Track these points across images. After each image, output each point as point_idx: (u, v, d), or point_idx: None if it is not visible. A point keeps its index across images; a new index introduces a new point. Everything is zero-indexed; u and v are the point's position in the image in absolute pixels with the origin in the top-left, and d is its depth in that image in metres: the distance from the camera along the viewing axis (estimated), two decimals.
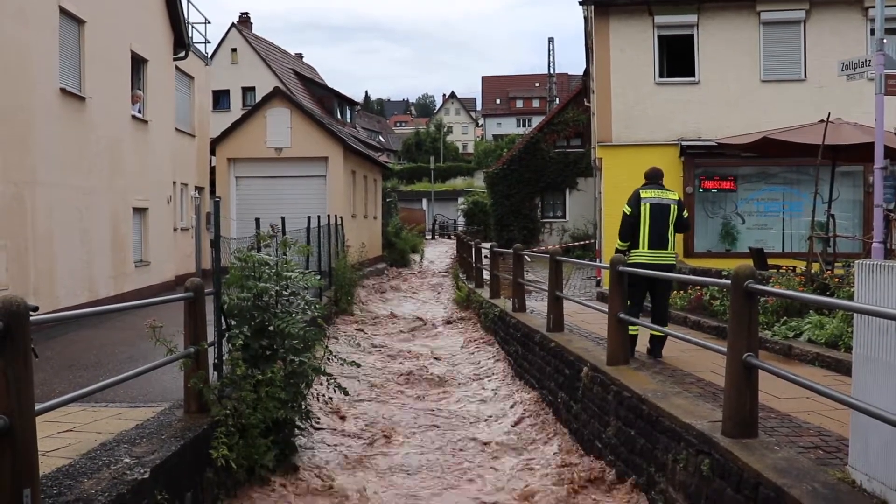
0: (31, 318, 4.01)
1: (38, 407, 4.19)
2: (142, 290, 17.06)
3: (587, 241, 29.84)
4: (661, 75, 19.16)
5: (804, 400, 6.30)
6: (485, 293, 17.71)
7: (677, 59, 19.28)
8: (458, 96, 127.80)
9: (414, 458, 8.35)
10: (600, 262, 19.06)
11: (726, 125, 17.66)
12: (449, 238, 54.97)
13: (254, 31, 44.75)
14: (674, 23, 19.02)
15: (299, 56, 54.73)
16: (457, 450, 8.66)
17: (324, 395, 8.92)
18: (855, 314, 4.43)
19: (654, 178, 8.98)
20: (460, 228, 51.09)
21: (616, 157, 18.92)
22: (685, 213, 8.90)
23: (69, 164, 14.15)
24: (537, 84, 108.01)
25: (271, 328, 7.44)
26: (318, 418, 9.01)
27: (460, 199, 59.00)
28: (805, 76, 18.46)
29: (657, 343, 8.74)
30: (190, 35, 21.38)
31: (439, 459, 8.27)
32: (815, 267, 11.20)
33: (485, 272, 19.85)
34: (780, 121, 14.80)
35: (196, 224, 22.55)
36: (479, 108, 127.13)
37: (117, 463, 5.29)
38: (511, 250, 14.51)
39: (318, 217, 17.80)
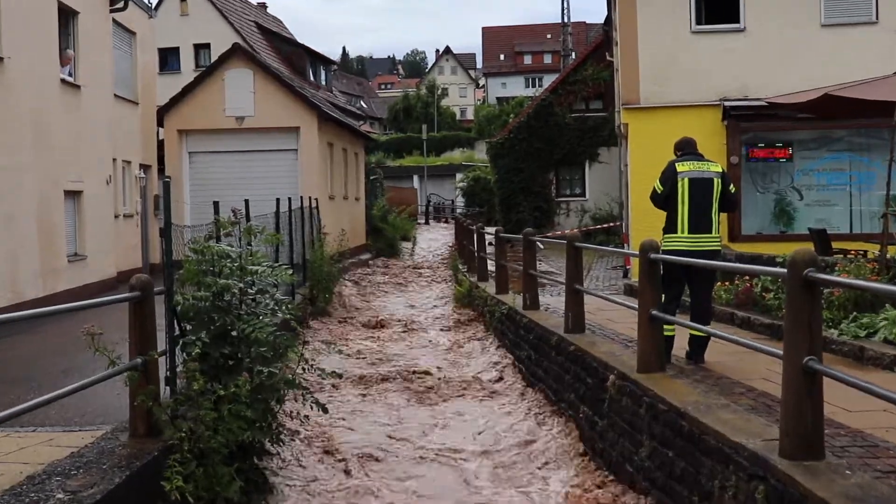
0: None
1: None
2: (77, 289, 17.04)
3: (612, 224, 29.85)
4: (698, 22, 19.07)
5: (881, 413, 6.27)
6: (490, 288, 17.71)
7: (718, 1, 19.20)
8: (455, 52, 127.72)
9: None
10: (628, 248, 19.05)
11: (779, 81, 17.58)
12: (446, 222, 55.02)
13: None
14: None
15: (262, 6, 54.54)
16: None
17: (298, 414, 8.89)
18: None
19: (688, 148, 8.95)
20: (459, 211, 51.14)
21: (645, 123, 18.87)
22: (732, 188, 8.86)
23: None
24: (549, 36, 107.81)
25: (235, 333, 7.43)
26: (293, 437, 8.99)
27: (458, 176, 59.03)
28: (877, 18, 18.34)
29: (698, 345, 8.74)
30: None
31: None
32: (892, 250, 11.18)
33: (489, 263, 19.83)
34: (846, 74, 14.74)
35: (142, 210, 22.62)
36: (479, 65, 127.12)
37: (48, 500, 5.27)
38: (520, 236, 14.50)
39: (290, 199, 17.79)
